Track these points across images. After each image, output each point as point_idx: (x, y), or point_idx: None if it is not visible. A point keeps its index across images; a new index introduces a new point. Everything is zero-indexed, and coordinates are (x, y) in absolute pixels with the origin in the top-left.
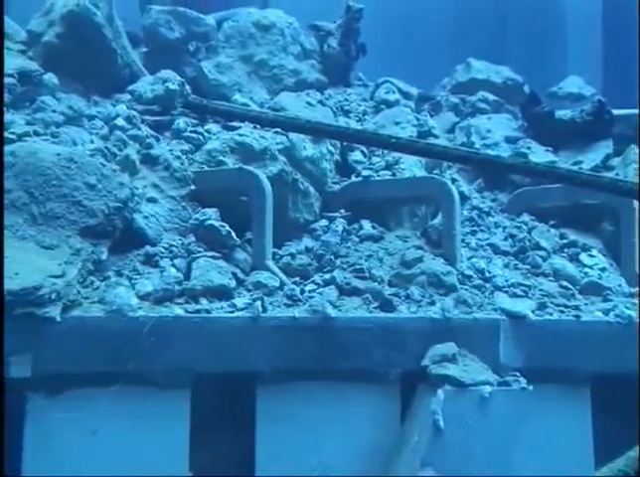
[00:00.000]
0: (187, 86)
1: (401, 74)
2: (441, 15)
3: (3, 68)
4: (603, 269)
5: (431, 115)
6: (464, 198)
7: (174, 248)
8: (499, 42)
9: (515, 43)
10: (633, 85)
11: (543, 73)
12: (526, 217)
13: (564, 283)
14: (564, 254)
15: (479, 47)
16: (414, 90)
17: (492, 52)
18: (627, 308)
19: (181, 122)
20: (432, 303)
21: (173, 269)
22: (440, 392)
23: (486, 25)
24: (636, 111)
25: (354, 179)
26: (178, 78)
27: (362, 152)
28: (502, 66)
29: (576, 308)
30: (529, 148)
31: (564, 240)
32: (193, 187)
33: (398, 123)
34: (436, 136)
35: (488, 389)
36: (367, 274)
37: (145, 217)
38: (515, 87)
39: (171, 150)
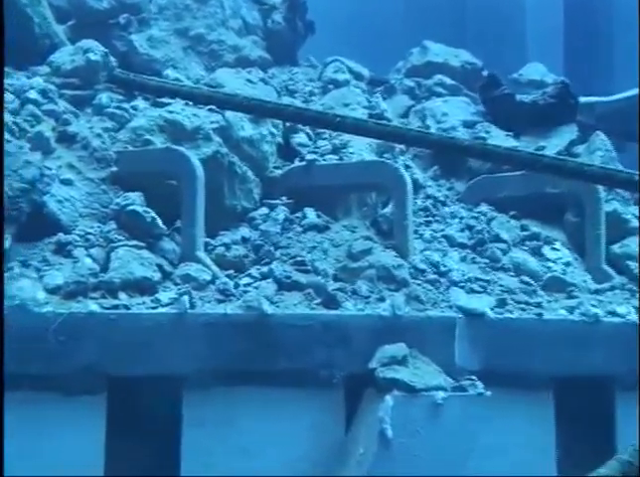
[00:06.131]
0: (111, 58)
1: (356, 57)
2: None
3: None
4: (568, 264)
5: (384, 99)
6: (418, 186)
7: (91, 236)
8: (457, 25)
9: (473, 26)
10: (594, 72)
11: (500, 59)
12: (484, 207)
13: (526, 279)
14: (526, 248)
15: (436, 32)
16: (366, 71)
17: (449, 36)
18: (593, 306)
19: (104, 97)
20: (382, 299)
21: (88, 260)
22: (388, 397)
23: (444, 9)
24: (597, 99)
25: (297, 163)
26: (101, 47)
27: (307, 134)
28: (460, 49)
29: (539, 305)
30: (487, 132)
31: (526, 233)
32: (115, 168)
33: (347, 105)
34: (389, 120)
35: (441, 394)
36: (309, 267)
37: (59, 201)
38: (473, 72)
39: (91, 128)
